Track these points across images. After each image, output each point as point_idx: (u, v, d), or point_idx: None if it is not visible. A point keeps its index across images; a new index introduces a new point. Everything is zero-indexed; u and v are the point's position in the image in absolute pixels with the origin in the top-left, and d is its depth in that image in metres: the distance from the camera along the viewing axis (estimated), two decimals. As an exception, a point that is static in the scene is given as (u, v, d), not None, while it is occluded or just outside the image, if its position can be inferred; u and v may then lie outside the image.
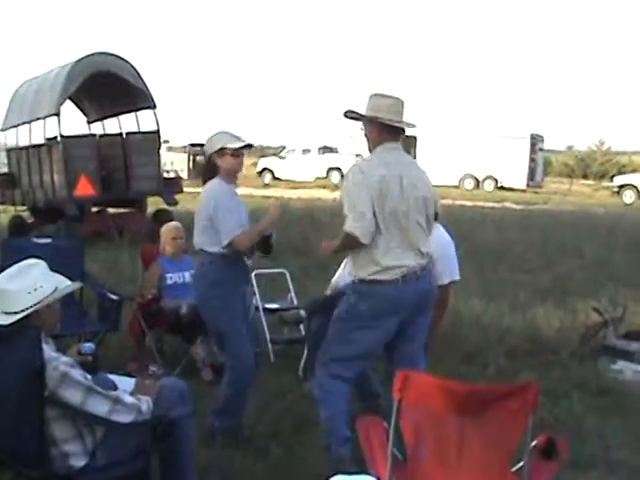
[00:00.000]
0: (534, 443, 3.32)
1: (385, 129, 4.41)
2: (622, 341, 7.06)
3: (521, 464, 3.22)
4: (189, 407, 3.75)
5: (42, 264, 3.47)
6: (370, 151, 4.51)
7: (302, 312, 6.78)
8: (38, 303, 3.33)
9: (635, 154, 54.20)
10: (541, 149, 34.44)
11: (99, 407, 3.29)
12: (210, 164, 4.93)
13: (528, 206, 24.27)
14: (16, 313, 3.28)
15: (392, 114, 4.41)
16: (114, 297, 6.20)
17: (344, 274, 6.78)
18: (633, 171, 38.26)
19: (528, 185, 33.30)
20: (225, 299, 4.84)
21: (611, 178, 39.62)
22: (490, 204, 24.80)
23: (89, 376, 3.34)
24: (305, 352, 6.47)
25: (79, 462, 3.34)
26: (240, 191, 5.73)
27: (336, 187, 30.49)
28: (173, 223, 6.77)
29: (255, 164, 39.85)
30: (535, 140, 33.45)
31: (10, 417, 3.23)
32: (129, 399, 3.41)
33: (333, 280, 6.93)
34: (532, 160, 33.31)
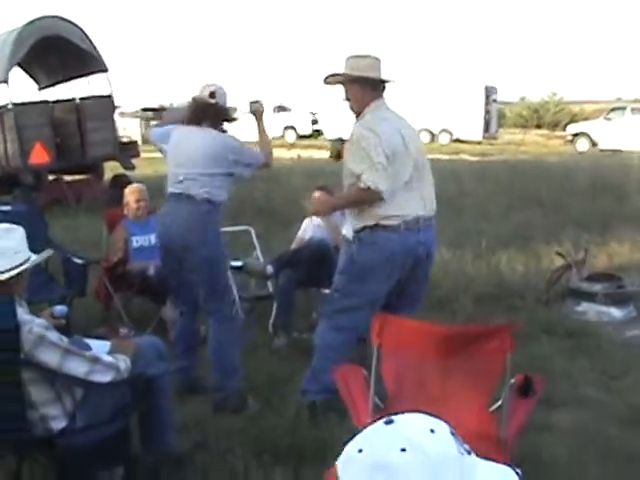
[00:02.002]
0: (511, 382, 3.38)
1: (370, 87, 4.47)
2: (585, 283, 7.18)
3: (499, 403, 3.28)
4: (167, 364, 3.75)
5: (21, 229, 3.41)
6: (357, 111, 4.52)
7: (269, 268, 6.77)
8: (24, 263, 3.30)
9: (586, 103, 54.67)
10: (495, 101, 34.44)
11: (77, 368, 3.26)
12: (219, 112, 4.94)
13: (484, 157, 24.39)
14: (4, 272, 3.24)
15: (375, 71, 4.47)
16: (79, 261, 6.14)
17: (310, 227, 6.81)
18: (585, 119, 38.59)
19: (483, 137, 33.41)
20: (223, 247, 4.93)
21: (564, 127, 39.97)
22: (446, 157, 24.87)
23: (65, 338, 3.31)
24: (274, 308, 6.49)
25: (59, 424, 3.33)
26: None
27: (292, 146, 30.34)
28: (136, 185, 6.66)
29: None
30: (489, 92, 33.45)
31: (-14, 382, 3.20)
32: (107, 358, 3.39)
33: (299, 233, 6.94)
34: (487, 112, 33.34)
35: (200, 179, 4.73)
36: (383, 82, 4.54)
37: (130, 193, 6.49)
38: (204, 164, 4.75)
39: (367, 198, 4.30)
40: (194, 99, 5.03)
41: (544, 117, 47.64)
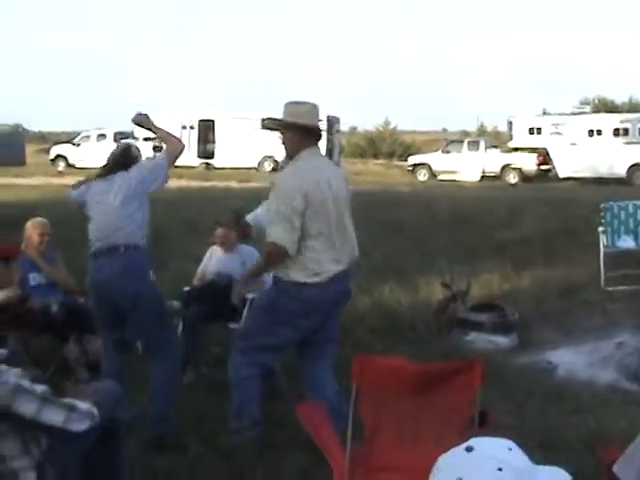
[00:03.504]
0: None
1: (306, 134, 4.53)
2: (472, 313, 7.55)
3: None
4: (133, 410, 3.69)
5: None
6: (290, 156, 4.59)
7: (175, 304, 6.70)
8: None
9: (416, 133, 57.14)
10: (338, 131, 35.26)
11: (55, 417, 3.15)
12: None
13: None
14: None
15: (312, 119, 4.55)
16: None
17: (213, 259, 6.80)
18: (418, 150, 40.40)
19: (326, 166, 33.99)
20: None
21: (399, 157, 41.61)
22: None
23: (37, 386, 3.20)
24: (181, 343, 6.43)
25: (28, 478, 3.20)
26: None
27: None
28: (39, 219, 6.38)
29: (47, 151, 38.31)
30: (331, 122, 34.17)
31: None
32: (83, 405, 3.28)
33: (201, 267, 6.91)
34: (329, 141, 34.05)
35: (127, 227, 4.85)
36: (319, 130, 4.64)
37: (33, 227, 6.23)
38: (126, 205, 4.86)
39: (273, 252, 4.45)
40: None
41: (381, 147, 49.26)
